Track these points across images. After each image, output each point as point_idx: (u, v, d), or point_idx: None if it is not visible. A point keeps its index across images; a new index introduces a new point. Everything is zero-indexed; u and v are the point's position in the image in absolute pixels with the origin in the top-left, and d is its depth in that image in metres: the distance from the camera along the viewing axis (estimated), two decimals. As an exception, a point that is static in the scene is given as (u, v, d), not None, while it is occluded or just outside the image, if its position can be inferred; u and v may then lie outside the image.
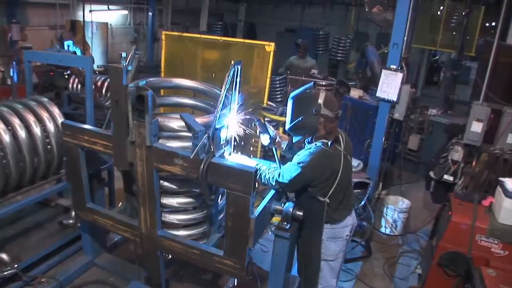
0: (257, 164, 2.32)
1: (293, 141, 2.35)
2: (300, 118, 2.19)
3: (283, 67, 7.25)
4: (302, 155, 2.18)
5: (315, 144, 2.21)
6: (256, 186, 1.98)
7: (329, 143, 2.21)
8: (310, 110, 2.16)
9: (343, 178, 2.25)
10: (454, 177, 4.44)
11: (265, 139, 2.43)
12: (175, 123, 2.14)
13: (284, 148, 2.52)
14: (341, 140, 2.30)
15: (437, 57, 11.80)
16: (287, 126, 2.29)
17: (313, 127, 2.19)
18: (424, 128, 6.00)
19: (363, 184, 3.92)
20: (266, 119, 4.45)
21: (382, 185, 4.84)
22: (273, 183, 2.22)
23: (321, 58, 11.20)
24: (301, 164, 2.14)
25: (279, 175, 2.20)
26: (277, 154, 2.38)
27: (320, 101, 2.17)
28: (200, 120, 2.13)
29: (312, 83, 2.29)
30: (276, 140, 2.50)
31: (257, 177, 2.23)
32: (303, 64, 7.13)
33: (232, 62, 2.15)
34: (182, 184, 2.30)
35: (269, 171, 2.26)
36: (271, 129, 2.51)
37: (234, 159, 2.34)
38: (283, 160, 2.43)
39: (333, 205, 2.27)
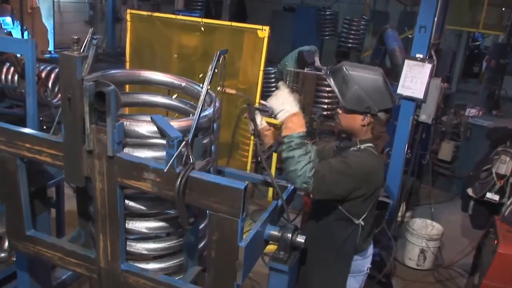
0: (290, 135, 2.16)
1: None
2: (348, 103, 2.22)
3: (278, 70, 7.30)
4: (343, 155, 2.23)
5: (359, 147, 2.28)
6: (247, 205, 2.01)
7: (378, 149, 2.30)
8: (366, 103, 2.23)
9: (377, 196, 2.35)
10: (500, 196, 4.46)
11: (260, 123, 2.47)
12: (145, 127, 2.16)
13: (272, 148, 2.57)
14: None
15: (478, 42, 11.88)
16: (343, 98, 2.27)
17: (354, 117, 2.26)
18: (460, 133, 6.09)
19: (381, 204, 3.98)
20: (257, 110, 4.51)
21: (406, 206, 4.92)
22: (304, 180, 2.11)
23: (327, 44, 11.33)
24: (349, 161, 2.17)
25: (314, 176, 2.12)
26: (262, 156, 2.34)
27: None
28: (176, 123, 2.16)
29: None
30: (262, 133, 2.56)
31: (285, 156, 2.15)
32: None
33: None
34: (153, 204, 2.32)
35: (304, 158, 2.12)
36: (258, 117, 2.54)
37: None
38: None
39: (366, 230, 2.34)
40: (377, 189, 2.29)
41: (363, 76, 2.26)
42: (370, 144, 2.28)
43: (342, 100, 2.27)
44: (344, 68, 2.28)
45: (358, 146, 2.29)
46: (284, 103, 2.22)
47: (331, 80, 2.31)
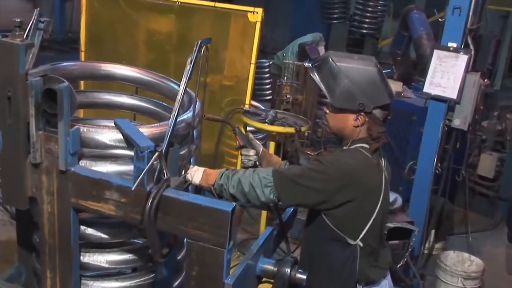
0: (226, 169, 2.41)
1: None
2: (340, 99, 2.33)
3: (275, 64, 7.38)
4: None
5: (348, 147, 2.38)
6: (235, 233, 2.05)
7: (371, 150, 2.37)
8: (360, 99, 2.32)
9: (381, 215, 2.39)
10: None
11: (247, 157, 2.55)
12: (107, 135, 2.19)
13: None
14: (382, 157, 2.48)
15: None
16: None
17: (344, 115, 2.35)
18: (506, 143, 6.12)
19: (403, 232, 4.02)
20: (249, 128, 4.55)
21: (436, 234, 4.94)
22: (259, 191, 2.28)
23: (336, 30, 11.39)
24: (322, 158, 2.30)
25: (276, 173, 2.28)
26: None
27: None
28: (146, 130, 2.20)
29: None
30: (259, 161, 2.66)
31: (225, 186, 2.31)
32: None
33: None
34: (116, 231, 2.35)
35: (250, 171, 2.33)
36: (256, 143, 2.63)
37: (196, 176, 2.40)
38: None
39: (368, 254, 2.39)
40: (370, 197, 2.34)
41: (354, 67, 2.35)
42: (363, 144, 2.37)
43: (330, 97, 2.36)
44: (331, 59, 2.37)
45: (348, 146, 2.39)
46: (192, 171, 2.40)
47: (315, 74, 2.40)
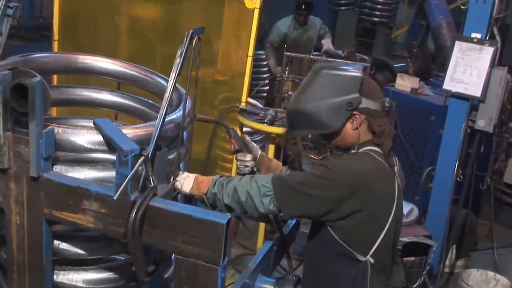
0: (220, 176, 2.42)
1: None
2: (321, 103, 2.36)
3: (271, 42, 7.37)
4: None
5: (356, 151, 2.40)
6: (230, 247, 2.05)
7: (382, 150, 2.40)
8: (342, 98, 2.34)
9: (394, 227, 2.40)
10: None
11: (244, 162, 2.56)
12: (85, 136, 2.19)
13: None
14: (395, 163, 2.49)
15: None
16: (293, 105, 2.47)
17: (331, 125, 2.37)
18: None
19: (420, 247, 4.02)
20: (245, 129, 4.54)
21: (457, 251, 4.94)
22: (258, 201, 2.29)
23: (344, 18, 11.41)
24: (328, 163, 2.30)
25: (276, 180, 2.30)
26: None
27: None
28: (130, 131, 2.20)
29: (360, 65, 2.48)
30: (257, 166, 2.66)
31: (219, 195, 2.32)
32: (305, 33, 7.35)
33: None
34: (95, 246, 2.34)
35: (247, 178, 2.35)
36: (254, 146, 2.63)
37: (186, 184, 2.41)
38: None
39: (380, 271, 2.39)
40: (381, 205, 2.35)
41: (306, 94, 2.42)
42: (372, 148, 2.39)
43: (326, 130, 2.42)
44: (292, 111, 2.47)
45: (355, 151, 2.40)
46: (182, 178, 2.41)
47: (296, 133, 2.48)
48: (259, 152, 2.70)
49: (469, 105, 4.34)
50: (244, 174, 2.56)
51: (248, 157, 2.62)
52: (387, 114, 2.44)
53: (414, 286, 3.88)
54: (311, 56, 6.77)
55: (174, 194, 2.36)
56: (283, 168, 2.71)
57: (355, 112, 2.34)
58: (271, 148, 4.44)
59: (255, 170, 2.61)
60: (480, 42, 4.21)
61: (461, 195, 4.74)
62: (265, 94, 7.72)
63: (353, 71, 2.41)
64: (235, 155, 2.66)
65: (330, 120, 2.34)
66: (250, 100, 5.01)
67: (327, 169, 2.28)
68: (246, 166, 2.62)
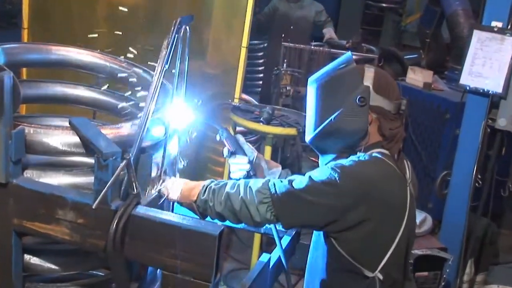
0: (211, 181, 2.41)
1: (322, 164, 2.49)
2: (333, 117, 2.34)
3: (260, 15, 7.41)
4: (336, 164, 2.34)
5: (362, 155, 2.38)
6: (222, 262, 2.04)
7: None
8: (350, 98, 2.32)
9: (405, 239, 2.39)
10: None
11: (238, 166, 2.55)
12: (59, 137, 2.17)
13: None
14: (406, 167, 2.49)
15: None
16: (309, 134, 2.46)
17: (358, 130, 2.35)
18: None
19: (434, 261, 4.02)
20: (238, 129, 4.53)
21: (476, 264, 4.95)
22: (253, 209, 2.27)
23: (348, 4, 11.41)
24: (335, 167, 2.28)
25: (274, 185, 2.28)
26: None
27: (368, 82, 2.35)
28: (111, 132, 2.19)
29: (348, 53, 2.47)
30: (260, 169, 2.65)
31: (210, 203, 2.32)
32: (298, 11, 7.36)
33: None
34: (70, 261, 2.34)
35: (242, 183, 2.34)
36: (249, 147, 2.62)
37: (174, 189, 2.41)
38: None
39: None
40: (392, 215, 2.34)
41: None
42: (380, 150, 2.38)
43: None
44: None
45: (361, 154, 2.39)
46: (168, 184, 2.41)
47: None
48: (256, 153, 2.69)
49: (489, 102, 4.33)
50: (239, 179, 2.55)
51: (243, 159, 2.61)
52: (401, 117, 2.44)
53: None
54: (312, 47, 6.78)
55: (160, 202, 2.35)
56: (282, 171, 2.70)
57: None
58: (268, 150, 4.43)
59: (252, 174, 2.60)
60: (501, 31, 4.21)
61: (480, 203, 4.73)
62: (260, 89, 7.73)
63: (343, 64, 2.41)
64: (228, 159, 2.65)
65: (357, 123, 2.33)
66: (244, 96, 5.01)
67: (331, 173, 2.27)
68: (242, 169, 2.61)
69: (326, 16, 7.67)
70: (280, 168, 2.72)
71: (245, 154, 2.62)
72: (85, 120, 2.20)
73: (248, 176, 2.58)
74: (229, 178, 2.67)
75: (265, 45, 7.90)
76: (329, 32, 7.51)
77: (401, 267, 2.43)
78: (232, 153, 2.59)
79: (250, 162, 2.60)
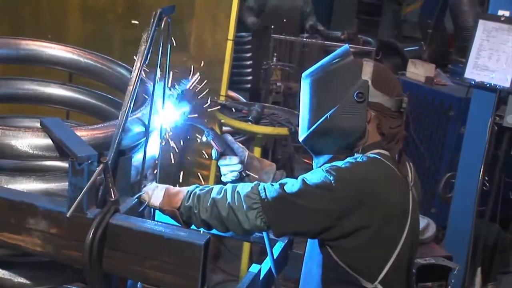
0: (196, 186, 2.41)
1: (316, 166, 2.49)
2: (328, 114, 2.34)
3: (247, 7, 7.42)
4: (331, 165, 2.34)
5: (360, 155, 2.38)
6: (209, 274, 2.04)
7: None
8: (347, 94, 2.33)
9: (408, 247, 2.40)
10: None
11: (229, 167, 2.55)
12: (29, 139, 2.15)
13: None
14: (408, 169, 2.49)
15: None
16: (302, 133, 2.47)
17: (355, 128, 2.36)
18: None
19: (438, 270, 4.03)
20: (225, 129, 4.53)
21: (483, 273, 4.96)
22: (242, 216, 2.26)
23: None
24: (330, 169, 2.28)
25: (264, 189, 2.27)
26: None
27: (366, 76, 2.35)
28: (86, 133, 2.18)
29: (346, 46, 2.47)
30: (248, 170, 2.64)
31: (195, 210, 2.31)
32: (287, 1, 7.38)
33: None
34: (43, 275, 2.33)
35: (229, 188, 2.33)
36: (239, 146, 2.62)
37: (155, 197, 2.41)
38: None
39: None
40: (392, 221, 2.33)
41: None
42: (379, 151, 2.38)
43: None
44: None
45: (359, 155, 2.38)
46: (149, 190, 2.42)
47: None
48: (247, 153, 2.67)
49: (496, 98, 4.34)
50: (232, 182, 2.55)
51: (234, 159, 2.60)
52: (401, 115, 2.44)
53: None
54: (304, 39, 6.78)
55: (141, 209, 2.35)
56: (277, 172, 2.69)
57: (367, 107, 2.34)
58: (257, 151, 4.43)
59: (244, 175, 2.58)
60: (509, 21, 4.22)
61: (488, 207, 4.75)
62: (249, 86, 7.73)
63: (340, 57, 2.42)
64: (217, 160, 2.64)
65: (355, 120, 2.34)
66: (231, 93, 5.01)
67: (326, 175, 2.26)
68: (233, 171, 2.60)
69: (312, 6, 7.68)
70: (274, 167, 2.71)
71: (236, 154, 2.60)
72: (58, 121, 2.20)
73: (240, 177, 2.57)
74: (221, 181, 2.65)
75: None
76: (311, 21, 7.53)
77: (403, 277, 2.44)
78: (221, 154, 2.58)
79: (241, 162, 2.59)
